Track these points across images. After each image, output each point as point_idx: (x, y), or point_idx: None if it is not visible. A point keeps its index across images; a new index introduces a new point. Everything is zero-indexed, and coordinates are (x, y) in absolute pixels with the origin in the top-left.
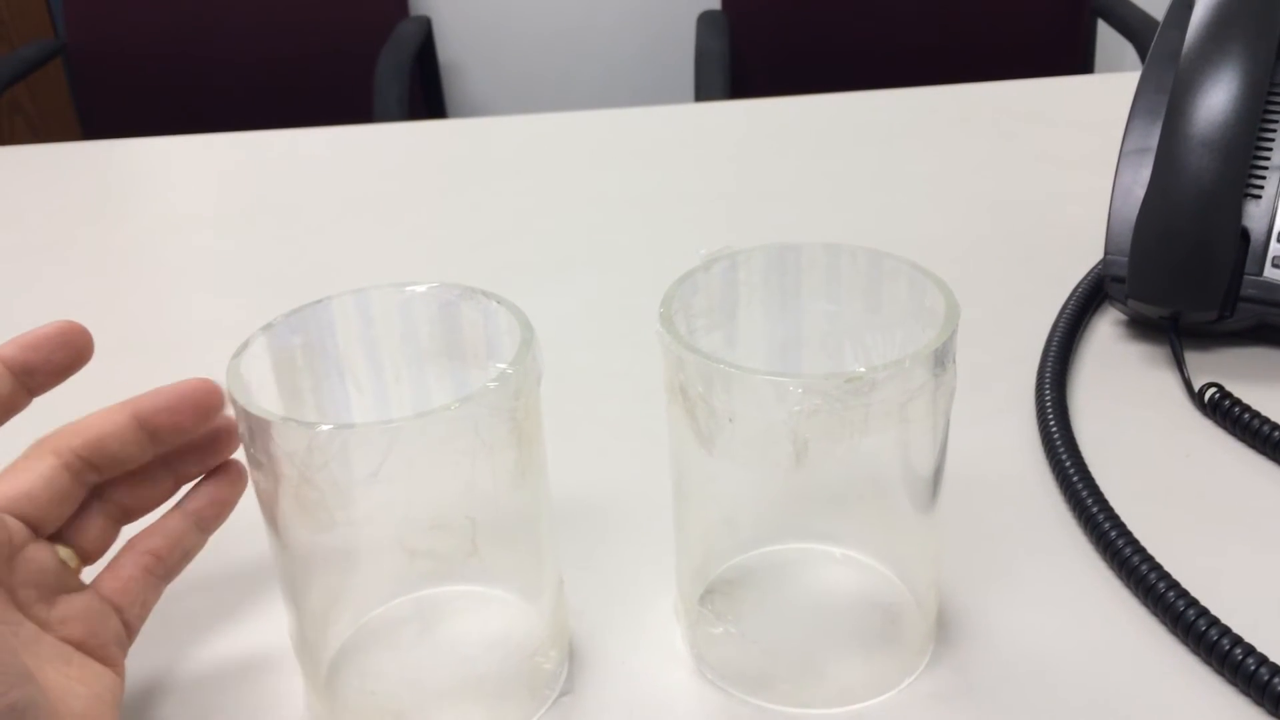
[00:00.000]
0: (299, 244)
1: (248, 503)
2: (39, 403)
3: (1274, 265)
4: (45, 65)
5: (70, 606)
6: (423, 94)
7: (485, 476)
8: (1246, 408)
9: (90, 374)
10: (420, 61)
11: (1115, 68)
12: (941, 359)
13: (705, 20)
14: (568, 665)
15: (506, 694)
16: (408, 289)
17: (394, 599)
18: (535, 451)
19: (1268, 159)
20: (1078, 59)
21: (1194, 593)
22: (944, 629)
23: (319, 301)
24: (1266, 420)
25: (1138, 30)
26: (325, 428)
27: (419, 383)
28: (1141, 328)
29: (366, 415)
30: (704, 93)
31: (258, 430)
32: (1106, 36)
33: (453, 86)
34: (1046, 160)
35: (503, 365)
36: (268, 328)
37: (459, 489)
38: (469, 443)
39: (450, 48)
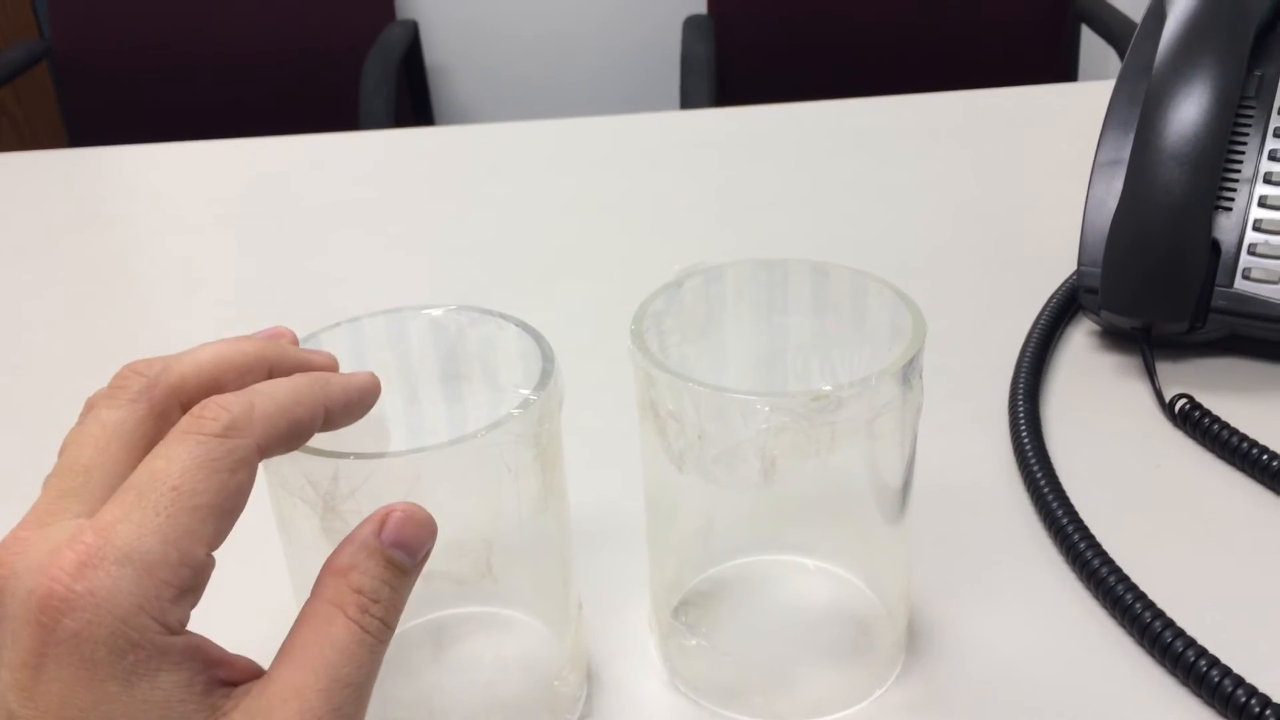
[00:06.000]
0: (285, 251)
1: (267, 523)
2: (38, 416)
3: (1244, 277)
4: (31, 68)
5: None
6: (409, 98)
7: (510, 502)
8: (1216, 419)
9: (78, 385)
10: (407, 66)
11: (1099, 73)
12: (908, 376)
13: (691, 25)
14: (587, 688)
15: (527, 719)
16: (424, 312)
17: (408, 621)
18: (557, 476)
19: (1238, 171)
20: (1061, 64)
21: (1161, 604)
22: (915, 640)
23: (335, 325)
24: (1235, 432)
25: (1120, 36)
26: (353, 457)
27: (436, 408)
28: (1114, 338)
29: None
30: (690, 98)
31: (282, 458)
32: (1090, 42)
33: (440, 91)
34: (1027, 169)
35: (526, 391)
36: None
37: (485, 515)
38: (495, 470)
39: (437, 52)
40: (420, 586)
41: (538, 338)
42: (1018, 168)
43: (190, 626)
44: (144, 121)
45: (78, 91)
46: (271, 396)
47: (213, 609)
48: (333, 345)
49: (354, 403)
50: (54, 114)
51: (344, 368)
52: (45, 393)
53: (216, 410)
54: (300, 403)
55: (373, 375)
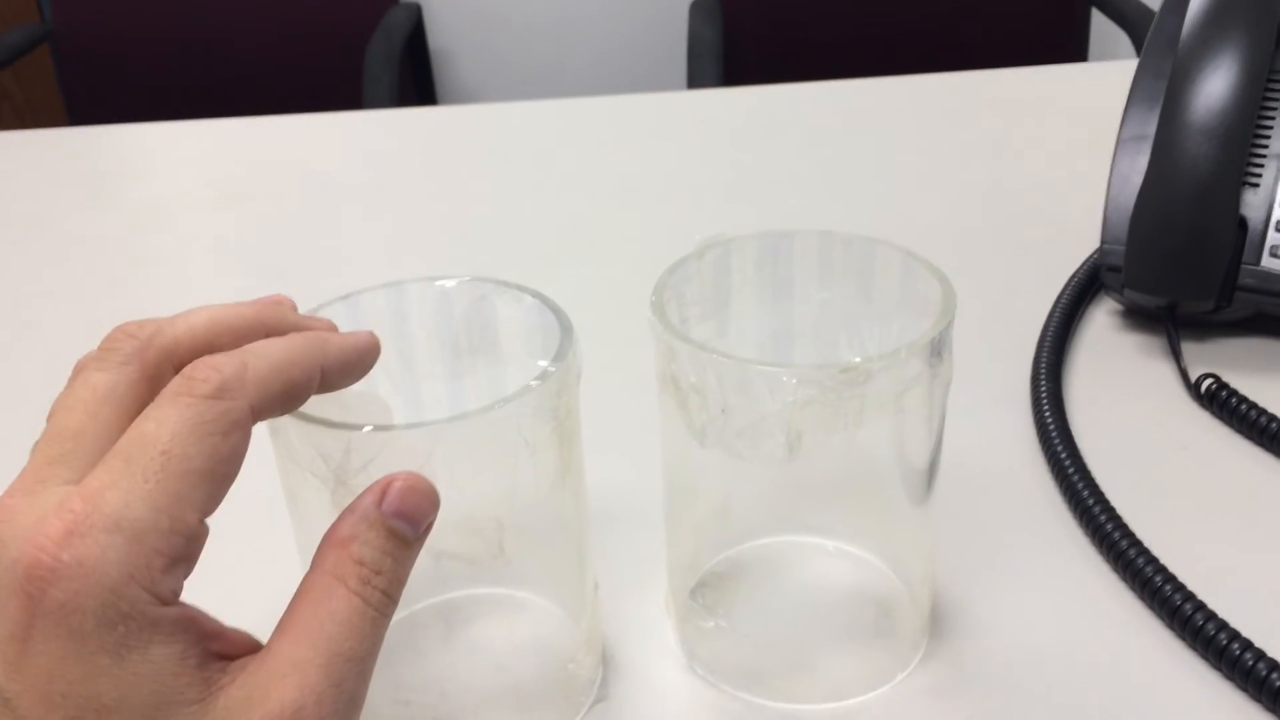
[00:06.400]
0: (287, 231)
1: (275, 497)
2: (39, 395)
3: (1272, 254)
4: (32, 50)
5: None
6: (413, 81)
7: (527, 477)
8: (1243, 399)
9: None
10: (410, 48)
11: (1109, 57)
12: (938, 349)
13: (698, 7)
14: (602, 671)
15: (542, 702)
16: (438, 283)
17: (418, 602)
18: (575, 451)
19: (1266, 146)
20: (1072, 48)
21: (1190, 585)
22: (938, 623)
23: (347, 296)
24: (1263, 411)
25: (1132, 19)
26: (366, 429)
27: (451, 380)
28: (1138, 317)
29: (398, 414)
30: (696, 80)
31: (292, 430)
32: (1101, 25)
33: (443, 74)
34: (1041, 149)
35: (544, 363)
36: None
37: (500, 491)
38: (512, 443)
39: (441, 35)
40: (431, 567)
41: (556, 310)
42: (1032, 148)
43: (196, 601)
44: (145, 105)
45: (78, 74)
46: (265, 356)
47: (219, 583)
48: (339, 318)
49: (352, 363)
50: (55, 97)
51: None
52: (46, 372)
53: (207, 371)
54: (295, 363)
55: (371, 335)
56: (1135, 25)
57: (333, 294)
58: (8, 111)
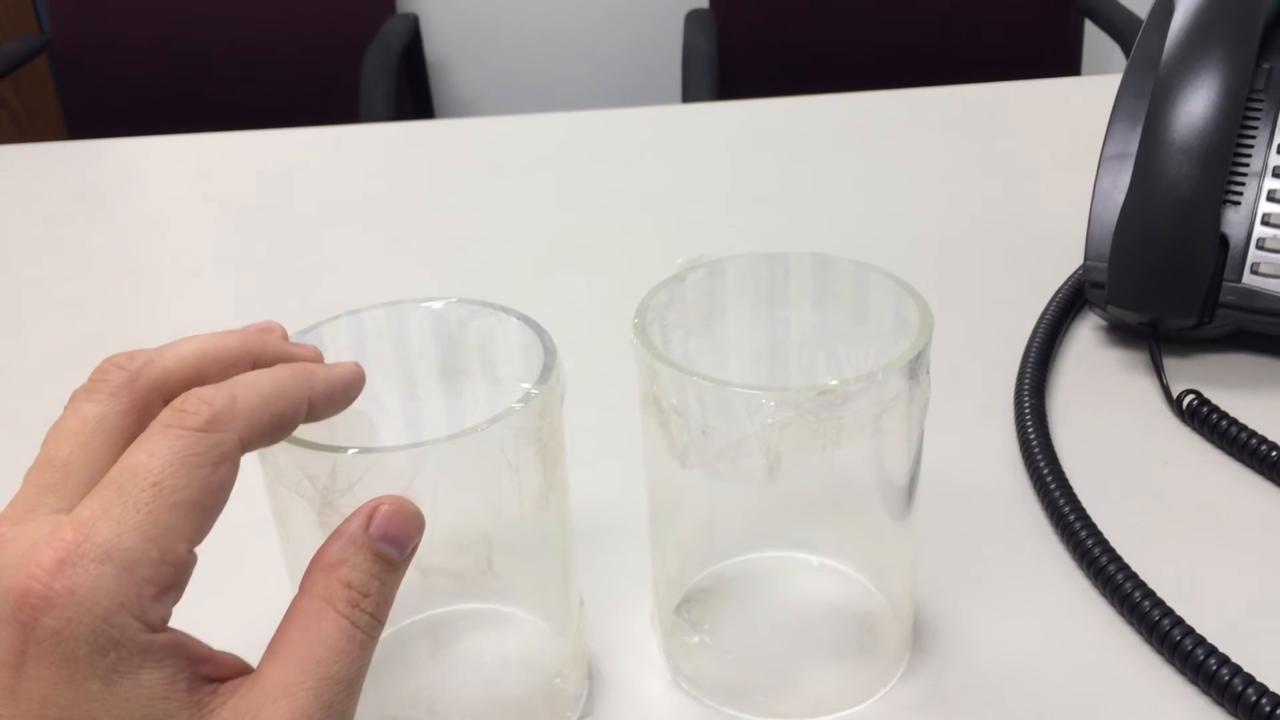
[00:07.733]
0: (284, 244)
1: (264, 518)
2: (36, 408)
3: (1253, 272)
4: (30, 61)
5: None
6: (410, 92)
7: (511, 498)
8: (1224, 415)
9: (76, 377)
10: (407, 60)
11: (1102, 68)
12: (915, 371)
13: (693, 19)
14: (588, 686)
15: (529, 716)
16: (424, 305)
17: (407, 618)
18: (558, 471)
19: (1247, 165)
20: (1064, 59)
21: (1169, 601)
22: (920, 638)
23: (335, 318)
24: (1244, 428)
25: (1124, 30)
26: (351, 451)
27: (438, 400)
28: (1121, 333)
29: (388, 433)
30: (691, 92)
31: (280, 453)
32: (1093, 37)
33: (440, 85)
34: (1031, 163)
35: (528, 385)
36: None
37: (485, 510)
38: (496, 464)
39: (438, 46)
40: (420, 583)
41: (539, 331)
42: (1022, 162)
43: (188, 621)
44: (143, 115)
45: (77, 85)
46: (254, 389)
47: (209, 604)
48: (332, 338)
49: (338, 394)
50: (53, 107)
51: (343, 360)
52: (43, 385)
53: (198, 404)
54: (283, 395)
55: (357, 366)
56: (1127, 36)
57: (327, 306)
58: (6, 121)
